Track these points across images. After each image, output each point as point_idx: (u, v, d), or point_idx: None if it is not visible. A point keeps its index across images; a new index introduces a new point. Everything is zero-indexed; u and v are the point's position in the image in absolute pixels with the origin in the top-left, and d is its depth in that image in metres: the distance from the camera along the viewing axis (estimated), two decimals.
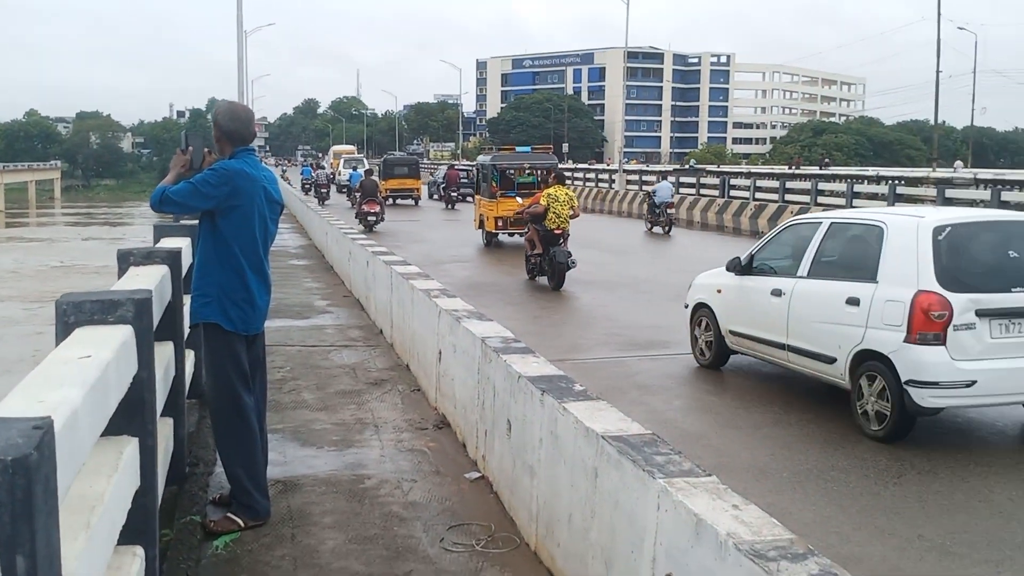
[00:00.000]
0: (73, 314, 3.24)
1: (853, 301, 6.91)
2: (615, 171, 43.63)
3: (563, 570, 3.98)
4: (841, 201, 25.98)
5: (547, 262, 14.37)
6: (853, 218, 7.94)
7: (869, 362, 6.74)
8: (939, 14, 44.90)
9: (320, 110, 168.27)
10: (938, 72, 46.80)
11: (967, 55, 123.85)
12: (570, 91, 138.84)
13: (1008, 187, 21.59)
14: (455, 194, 37.03)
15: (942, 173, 30.28)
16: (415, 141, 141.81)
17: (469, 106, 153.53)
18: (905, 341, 6.44)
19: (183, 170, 4.66)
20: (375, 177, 28.55)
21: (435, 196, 41.88)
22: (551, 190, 14.87)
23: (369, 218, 25.05)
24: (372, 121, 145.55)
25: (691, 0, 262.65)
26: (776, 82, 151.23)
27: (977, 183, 23.69)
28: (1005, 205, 15.46)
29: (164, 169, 5.23)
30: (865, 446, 6.45)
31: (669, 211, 25.76)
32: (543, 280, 14.71)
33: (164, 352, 4.40)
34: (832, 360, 7.08)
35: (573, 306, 13.05)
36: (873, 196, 25.97)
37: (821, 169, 41.70)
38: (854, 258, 7.37)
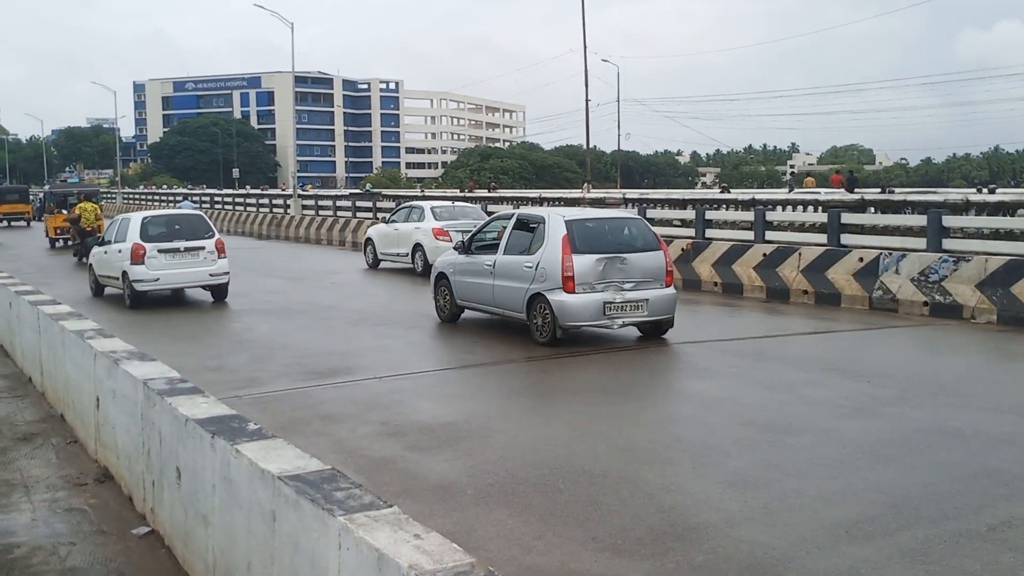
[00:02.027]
0: None
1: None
2: (290, 196, 42.78)
3: None
4: None
5: (84, 248, 22.77)
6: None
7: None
8: (585, 47, 48.77)
9: None
10: (587, 100, 50.90)
11: (612, 85, 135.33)
12: (238, 115, 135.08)
13: (652, 205, 23.83)
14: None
15: (596, 194, 32.77)
16: (68, 168, 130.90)
17: (128, 130, 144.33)
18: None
19: None
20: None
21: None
22: (83, 204, 25.95)
23: None
24: (15, 147, 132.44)
25: (354, 28, 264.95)
26: (444, 108, 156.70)
27: (626, 202, 25.83)
28: (651, 221, 17.21)
29: None
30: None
31: None
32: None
33: None
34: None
35: (249, 337, 12.54)
36: None
37: (490, 192, 43.47)
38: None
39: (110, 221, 18.00)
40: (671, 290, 11.53)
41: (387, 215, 24.26)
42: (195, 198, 51.28)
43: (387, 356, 10.92)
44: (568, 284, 10.88)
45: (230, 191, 57.78)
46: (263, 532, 3.55)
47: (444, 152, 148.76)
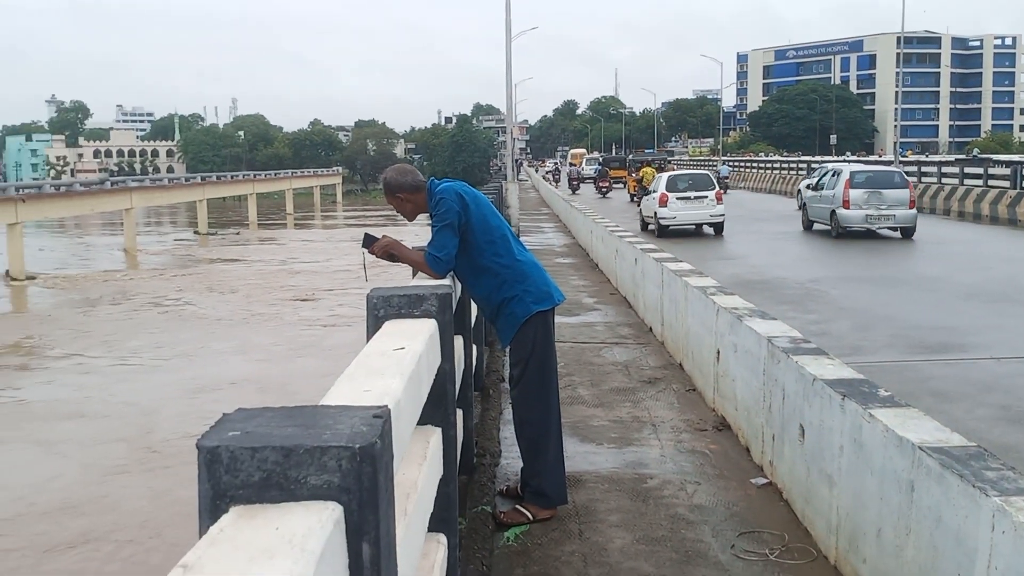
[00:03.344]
0: (383, 308, 3.37)
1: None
2: (889, 162, 40.95)
3: None
4: None
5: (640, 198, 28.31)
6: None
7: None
8: None
9: (579, 111, 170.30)
10: None
11: None
12: (836, 81, 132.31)
13: None
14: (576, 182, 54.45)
15: None
16: (673, 138, 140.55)
17: (729, 101, 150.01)
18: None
19: (389, 247, 4.59)
20: (606, 168, 50.44)
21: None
22: (645, 169, 36.92)
23: (602, 189, 47.24)
24: (630, 120, 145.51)
25: None
26: None
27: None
28: None
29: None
30: None
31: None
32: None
33: (457, 345, 4.52)
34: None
35: (849, 306, 12.31)
36: None
37: None
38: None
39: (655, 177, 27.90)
40: (913, 211, 20.83)
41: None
42: (732, 164, 61.35)
43: (1005, 336, 9.96)
44: (845, 204, 20.64)
45: (826, 158, 57.53)
46: (898, 501, 3.47)
47: None
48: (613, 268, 14.01)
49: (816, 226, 23.07)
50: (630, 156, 57.58)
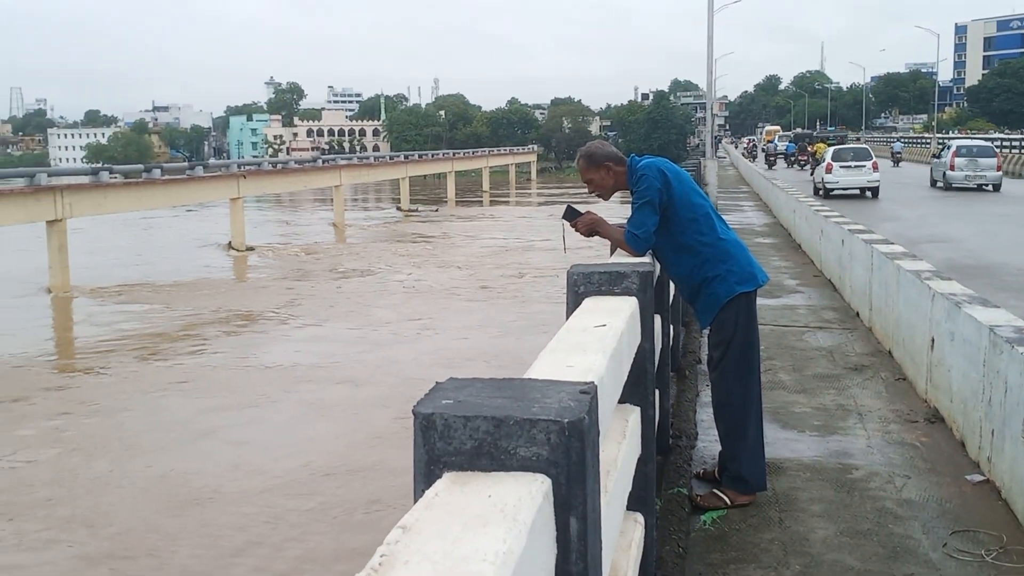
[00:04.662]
0: (583, 284, 3.38)
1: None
2: None
3: None
4: None
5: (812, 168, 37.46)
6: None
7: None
8: None
9: (781, 86, 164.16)
10: None
11: None
12: None
13: None
14: (772, 157, 58.21)
15: None
16: (883, 114, 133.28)
17: (945, 75, 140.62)
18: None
19: (592, 223, 4.56)
20: (804, 144, 52.78)
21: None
22: (818, 145, 44.38)
23: (800, 161, 51.41)
24: (836, 95, 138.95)
25: None
26: None
27: None
28: None
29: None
30: None
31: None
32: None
33: (656, 324, 4.48)
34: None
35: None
36: None
37: None
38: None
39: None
40: (999, 173, 30.20)
41: None
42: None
43: None
44: (951, 167, 29.92)
45: None
46: None
47: None
48: (817, 249, 13.46)
49: (938, 184, 31.70)
50: (814, 133, 67.06)
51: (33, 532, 8.59)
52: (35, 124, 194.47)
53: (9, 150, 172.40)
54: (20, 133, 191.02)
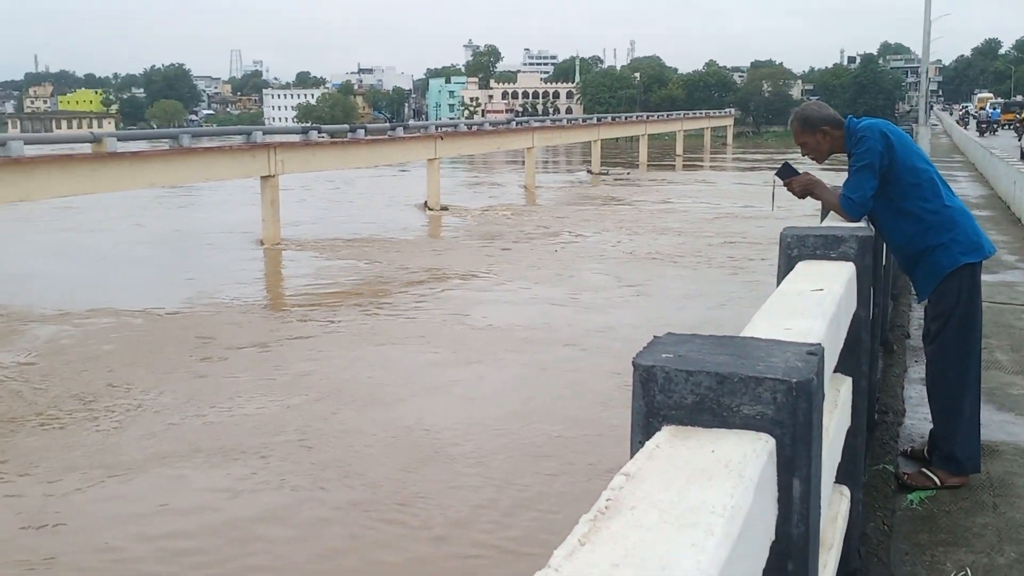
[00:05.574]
0: (796, 247, 3.28)
1: None
2: None
3: None
4: None
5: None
6: None
7: None
8: None
9: (1002, 50, 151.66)
10: None
11: None
12: None
13: None
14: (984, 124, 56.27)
15: None
16: None
17: None
18: None
19: (808, 183, 4.39)
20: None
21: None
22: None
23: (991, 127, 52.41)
24: None
25: None
26: None
27: None
28: None
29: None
30: None
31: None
32: None
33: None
34: None
35: None
36: None
37: None
38: None
39: None
40: None
41: None
42: None
43: None
44: None
45: None
46: None
47: None
48: None
49: None
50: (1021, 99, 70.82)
51: (292, 476, 8.73)
52: (252, 85, 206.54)
53: (229, 109, 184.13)
54: (239, 93, 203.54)
